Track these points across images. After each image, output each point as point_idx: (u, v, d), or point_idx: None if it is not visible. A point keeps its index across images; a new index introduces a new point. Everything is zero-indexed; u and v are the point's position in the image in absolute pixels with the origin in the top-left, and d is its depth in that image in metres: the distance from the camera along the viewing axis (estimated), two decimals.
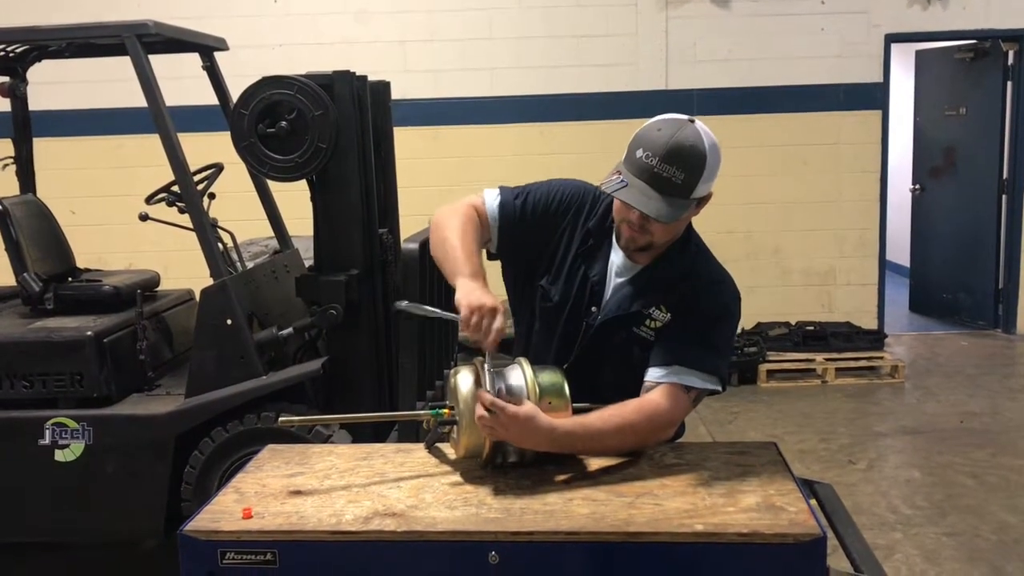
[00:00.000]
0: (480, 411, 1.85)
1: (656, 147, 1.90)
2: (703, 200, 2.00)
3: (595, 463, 2.01)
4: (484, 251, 2.20)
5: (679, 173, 1.89)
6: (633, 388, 2.04)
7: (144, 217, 3.89)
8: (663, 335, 2.07)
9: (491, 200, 2.18)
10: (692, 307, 2.06)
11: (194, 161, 3.83)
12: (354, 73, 3.77)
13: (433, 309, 2.17)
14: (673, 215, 1.93)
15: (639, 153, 1.92)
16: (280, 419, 2.02)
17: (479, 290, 1.94)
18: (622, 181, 1.93)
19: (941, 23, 7.21)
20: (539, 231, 2.17)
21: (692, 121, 1.95)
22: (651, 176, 1.90)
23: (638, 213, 1.95)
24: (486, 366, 1.96)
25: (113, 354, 3.69)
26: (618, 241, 2.11)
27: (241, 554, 1.71)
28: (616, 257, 2.13)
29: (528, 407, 1.87)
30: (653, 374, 2.03)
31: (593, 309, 2.12)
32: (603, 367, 2.09)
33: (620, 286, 2.12)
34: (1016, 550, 3.87)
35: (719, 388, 2.05)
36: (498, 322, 1.90)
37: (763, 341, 6.67)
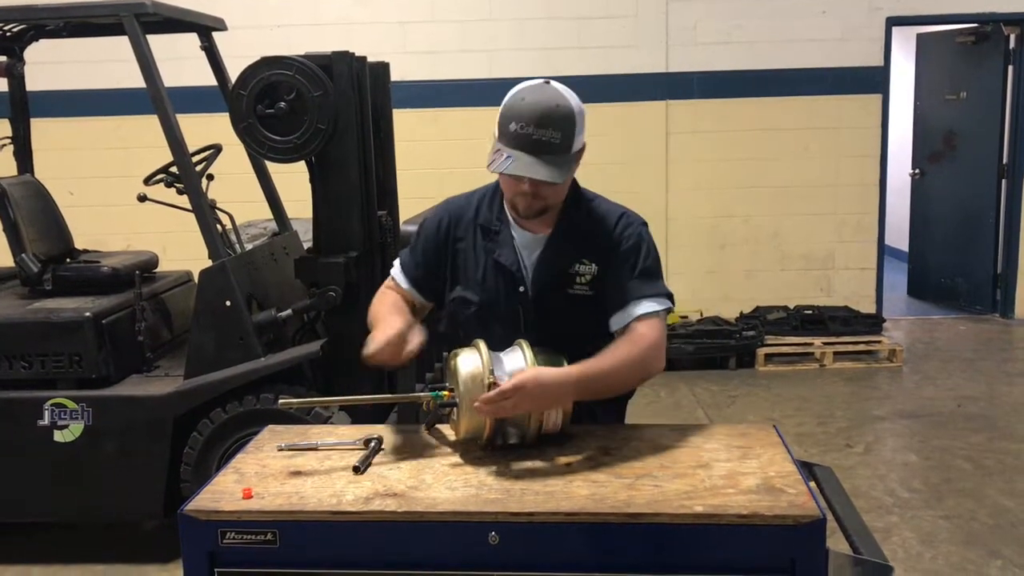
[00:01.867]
0: (485, 403, 1.88)
1: (527, 116, 1.98)
2: (580, 152, 2.08)
3: (595, 445, 2.02)
4: (425, 311, 2.35)
5: (555, 134, 1.98)
6: (595, 347, 2.07)
7: (143, 198, 3.88)
8: (601, 284, 2.14)
9: (396, 272, 2.35)
10: (612, 248, 2.16)
11: (193, 142, 3.81)
12: (353, 54, 3.75)
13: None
14: (562, 174, 2.01)
15: (512, 126, 1.99)
16: (280, 401, 2.02)
17: (381, 326, 2.09)
18: (507, 157, 2.00)
19: (942, 6, 7.18)
20: (440, 264, 2.27)
21: (548, 82, 2.04)
22: (531, 144, 1.98)
23: (528, 182, 2.02)
24: (485, 348, 1.97)
25: (112, 335, 3.69)
26: (515, 216, 2.17)
27: (241, 534, 1.72)
28: (519, 236, 2.20)
29: (524, 374, 1.91)
30: (617, 320, 2.12)
31: (521, 289, 2.17)
32: (558, 338, 2.11)
33: (536, 259, 2.18)
34: (1012, 533, 3.89)
35: (671, 305, 2.17)
36: (377, 339, 2.02)
37: (761, 325, 6.67)
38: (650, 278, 2.15)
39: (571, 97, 2.03)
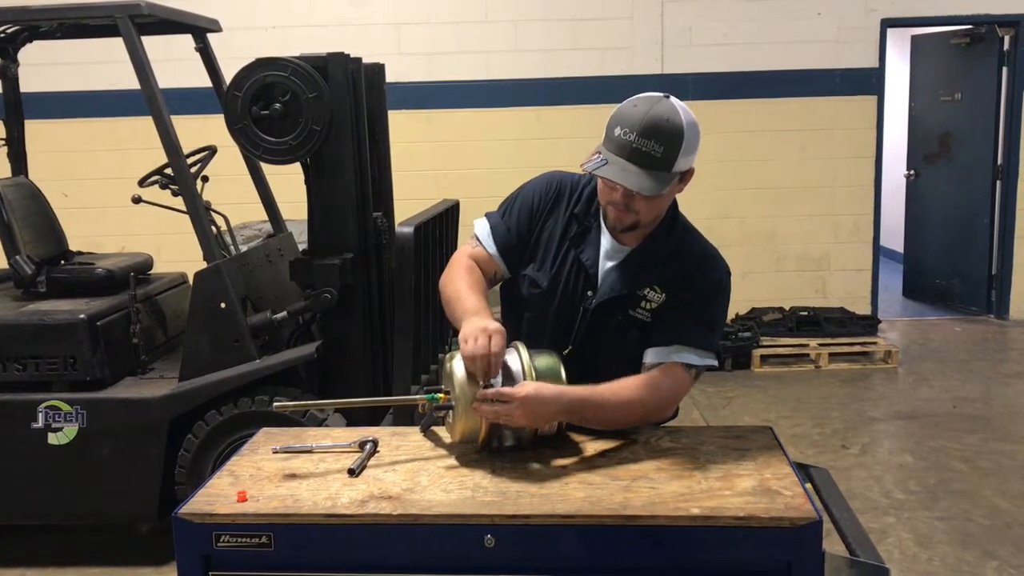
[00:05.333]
0: (485, 406, 1.86)
1: (633, 123, 1.92)
2: (686, 175, 2.03)
3: (591, 447, 2.01)
4: (495, 284, 2.25)
5: (658, 147, 1.91)
6: (631, 372, 2.04)
7: (137, 200, 3.87)
8: (660, 315, 2.08)
9: (482, 233, 2.22)
10: (686, 285, 2.09)
11: (187, 144, 3.80)
12: (348, 55, 3.74)
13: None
14: (655, 188, 1.94)
15: (617, 131, 1.94)
16: (275, 404, 2.02)
17: (477, 318, 1.96)
18: (602, 160, 1.95)
19: (937, 8, 7.20)
20: (531, 234, 2.19)
21: (667, 97, 1.98)
22: (631, 152, 1.92)
23: (622, 191, 1.97)
24: None
25: (106, 337, 3.68)
26: (605, 223, 2.12)
27: (236, 537, 1.71)
28: (606, 241, 2.14)
29: (527, 386, 1.88)
30: (654, 354, 2.07)
31: (589, 293, 2.12)
32: (602, 352, 2.10)
33: (612, 269, 2.13)
34: (1008, 534, 3.89)
35: (715, 364, 2.11)
36: (495, 343, 1.89)
37: (757, 326, 6.68)
38: (708, 330, 2.08)
39: (686, 116, 1.96)
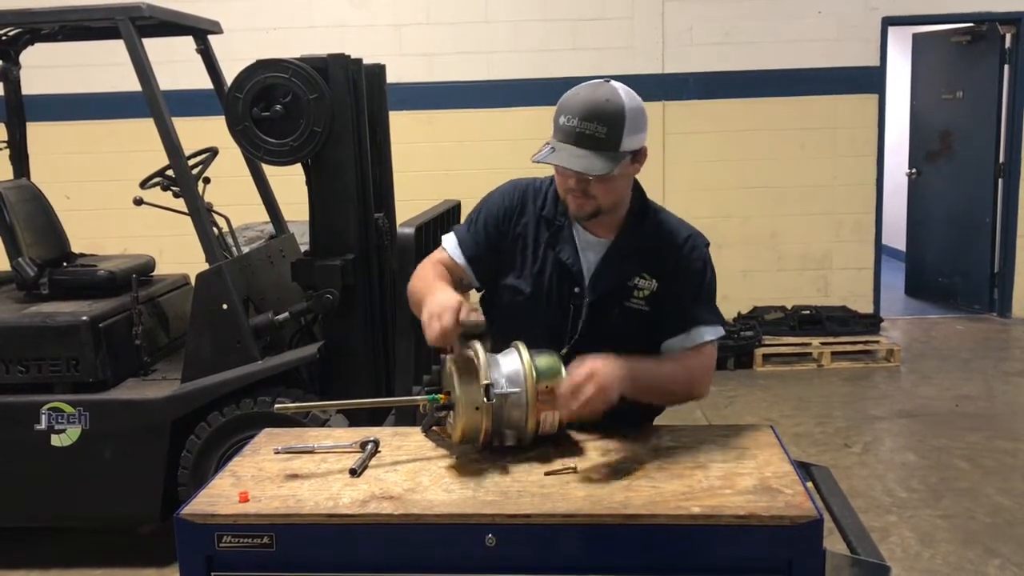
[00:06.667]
0: (567, 405, 1.87)
1: (575, 108, 1.97)
2: (638, 155, 2.05)
3: (592, 446, 2.02)
4: (471, 291, 2.29)
5: (601, 128, 1.95)
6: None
7: (139, 202, 3.88)
8: (659, 301, 2.11)
9: (451, 245, 2.26)
10: (677, 273, 2.13)
11: (188, 145, 3.81)
12: (349, 56, 3.75)
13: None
14: (604, 168, 1.97)
15: (561, 119, 1.99)
16: (276, 406, 2.02)
17: (437, 295, 1.99)
18: (550, 148, 1.99)
19: (938, 6, 7.20)
20: (500, 244, 2.22)
21: (608, 81, 2.02)
22: (576, 136, 1.97)
23: (574, 176, 2.00)
24: (482, 350, 1.97)
25: (109, 339, 3.69)
26: (572, 216, 2.14)
27: (238, 537, 1.71)
28: (581, 236, 2.16)
29: (588, 363, 1.90)
30: (675, 342, 2.12)
31: (576, 290, 2.14)
32: (602, 348, 2.09)
33: (597, 265, 2.15)
34: (1010, 532, 3.89)
35: (724, 332, 2.18)
36: (447, 317, 1.92)
37: (759, 325, 6.67)
38: (710, 303, 2.16)
39: (627, 96, 1.99)
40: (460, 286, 2.25)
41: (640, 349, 2.08)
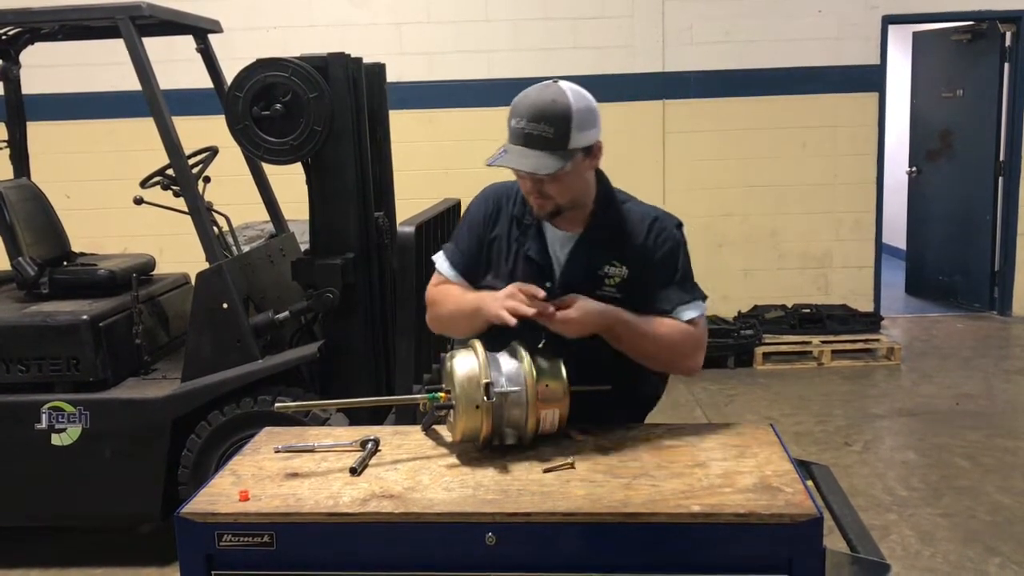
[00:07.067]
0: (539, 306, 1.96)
1: (523, 111, 2.01)
2: (592, 151, 2.09)
3: (592, 444, 2.02)
4: None
5: (548, 128, 1.99)
6: (612, 352, 2.10)
7: (139, 201, 3.88)
8: (632, 288, 2.14)
9: (443, 265, 2.31)
10: (645, 252, 2.16)
11: (189, 144, 3.81)
12: (349, 55, 3.75)
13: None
14: (553, 166, 2.00)
15: (512, 123, 2.03)
16: (276, 405, 2.02)
17: (489, 295, 2.07)
18: (503, 152, 2.03)
19: (938, 4, 7.19)
20: (481, 251, 2.26)
21: (556, 81, 2.05)
22: (524, 137, 2.01)
23: (528, 177, 2.05)
24: (482, 349, 1.97)
25: (109, 338, 3.69)
26: (535, 216, 2.18)
27: (238, 536, 1.71)
28: (551, 233, 2.20)
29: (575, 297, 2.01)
30: None
31: (548, 285, 2.16)
32: (577, 340, 2.11)
33: (567, 258, 2.18)
34: (1010, 530, 3.89)
35: (706, 305, 2.23)
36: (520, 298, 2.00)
37: (759, 324, 6.67)
38: (689, 282, 2.19)
39: (574, 95, 2.02)
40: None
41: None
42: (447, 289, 2.27)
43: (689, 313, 2.16)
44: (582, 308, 2.02)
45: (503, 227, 2.24)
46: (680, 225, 2.23)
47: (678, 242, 2.19)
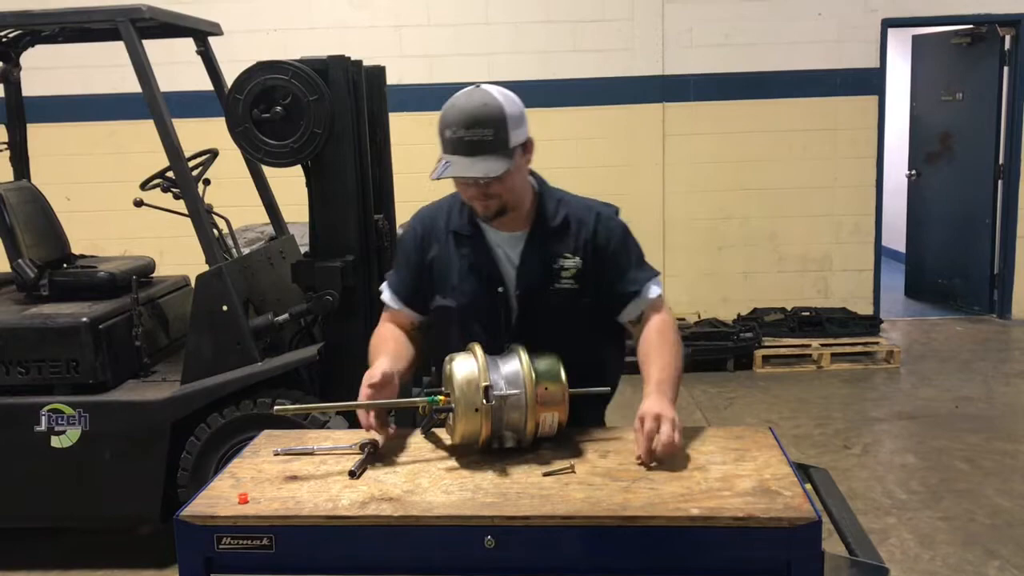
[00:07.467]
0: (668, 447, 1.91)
1: (457, 120, 2.04)
2: (526, 147, 2.13)
3: (590, 447, 2.02)
4: (422, 323, 2.35)
5: (487, 132, 2.02)
6: (580, 340, 2.15)
7: (139, 203, 3.88)
8: (587, 278, 2.19)
9: (387, 296, 2.36)
10: (597, 244, 2.22)
11: (189, 147, 3.81)
12: (349, 58, 3.75)
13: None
14: (501, 167, 2.04)
15: (447, 133, 2.05)
16: (275, 408, 2.02)
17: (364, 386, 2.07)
18: (446, 164, 2.05)
19: (938, 8, 7.20)
20: (422, 273, 2.29)
21: (478, 86, 2.09)
22: (465, 146, 2.03)
23: (476, 184, 2.07)
24: (481, 352, 1.97)
25: (109, 340, 3.69)
26: (481, 219, 2.20)
27: (237, 539, 1.71)
28: (495, 236, 2.22)
29: (650, 412, 1.95)
30: (631, 310, 2.24)
31: (500, 290, 2.20)
32: (541, 332, 2.14)
33: (519, 257, 2.21)
34: (1010, 534, 3.89)
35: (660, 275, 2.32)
36: (363, 393, 2.04)
37: (759, 326, 6.67)
38: (643, 260, 2.28)
39: (501, 96, 2.07)
40: (419, 328, 2.34)
41: (572, 327, 2.18)
42: (377, 337, 2.31)
43: (655, 289, 2.25)
44: (659, 412, 1.95)
45: (440, 246, 2.26)
46: (618, 211, 2.31)
47: (624, 229, 2.27)
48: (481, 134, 2.01)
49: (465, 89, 2.09)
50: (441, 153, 2.08)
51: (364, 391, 2.06)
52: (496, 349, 2.08)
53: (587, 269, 2.20)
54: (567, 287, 2.19)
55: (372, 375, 2.09)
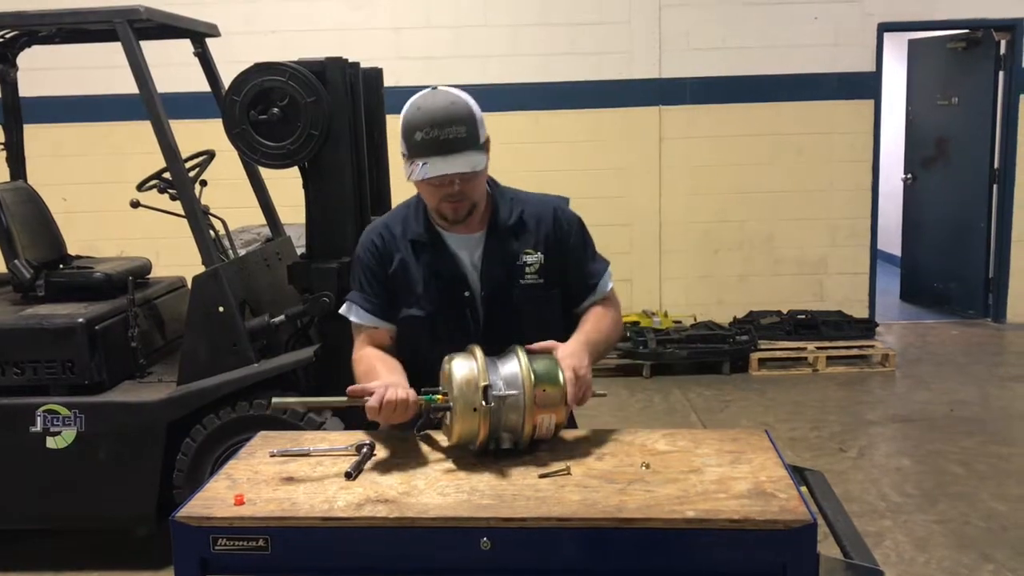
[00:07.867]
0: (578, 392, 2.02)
1: (428, 121, 2.05)
2: (487, 144, 2.15)
3: (587, 450, 2.02)
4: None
5: (460, 128, 2.05)
6: (549, 335, 2.15)
7: (135, 204, 3.88)
8: (550, 272, 2.25)
9: (354, 316, 2.29)
10: (556, 239, 2.27)
11: (186, 148, 3.81)
12: (347, 60, 3.75)
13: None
14: (480, 161, 2.09)
15: (418, 136, 2.05)
16: (273, 400, 2.02)
17: (392, 388, 2.00)
18: (424, 165, 2.05)
19: (934, 12, 7.22)
20: (385, 286, 2.27)
21: (435, 88, 2.13)
22: (441, 145, 2.04)
23: (457, 182, 2.08)
24: (480, 353, 1.97)
25: (105, 341, 3.69)
26: (444, 224, 2.21)
27: (233, 540, 1.71)
28: (455, 241, 2.23)
29: (564, 360, 2.04)
30: (587, 304, 2.32)
31: (466, 293, 2.21)
32: (513, 331, 2.15)
33: (483, 257, 2.23)
34: (1005, 537, 3.90)
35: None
36: (403, 409, 1.98)
37: (755, 329, 6.68)
38: (596, 253, 2.36)
39: (462, 94, 2.10)
40: (394, 342, 2.29)
41: (540, 322, 2.20)
42: (361, 362, 2.22)
43: (609, 283, 2.34)
44: (571, 356, 2.06)
45: (400, 257, 2.24)
46: (568, 200, 2.39)
47: (580, 221, 2.33)
48: (455, 132, 2.04)
49: (421, 93, 2.11)
50: (410, 157, 2.07)
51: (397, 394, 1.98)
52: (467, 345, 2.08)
53: (550, 263, 2.24)
54: (531, 283, 2.22)
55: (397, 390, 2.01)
